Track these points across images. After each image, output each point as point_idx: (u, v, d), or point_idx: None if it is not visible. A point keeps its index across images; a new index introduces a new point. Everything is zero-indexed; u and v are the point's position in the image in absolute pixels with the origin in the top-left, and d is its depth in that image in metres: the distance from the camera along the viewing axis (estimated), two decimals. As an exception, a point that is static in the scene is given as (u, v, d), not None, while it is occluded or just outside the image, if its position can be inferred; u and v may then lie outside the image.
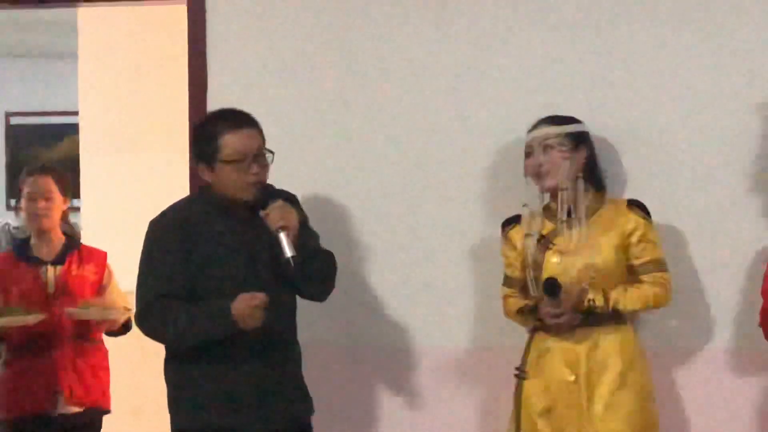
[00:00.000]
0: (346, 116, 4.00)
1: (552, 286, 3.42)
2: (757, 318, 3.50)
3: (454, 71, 3.96)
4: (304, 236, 3.32)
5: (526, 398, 3.52)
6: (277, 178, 3.49)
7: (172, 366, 3.43)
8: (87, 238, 4.73)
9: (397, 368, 4.01)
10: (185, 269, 3.30)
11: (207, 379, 3.34)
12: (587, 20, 3.88)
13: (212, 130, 3.35)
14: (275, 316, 3.30)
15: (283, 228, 3.23)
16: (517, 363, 3.56)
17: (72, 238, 4.35)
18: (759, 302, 3.52)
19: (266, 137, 3.57)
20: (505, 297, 3.67)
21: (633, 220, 3.53)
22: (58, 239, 4.29)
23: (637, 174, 3.83)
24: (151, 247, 3.37)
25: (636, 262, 3.53)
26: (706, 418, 3.82)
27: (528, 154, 3.58)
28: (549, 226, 3.55)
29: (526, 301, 3.57)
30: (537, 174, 3.56)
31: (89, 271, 4.29)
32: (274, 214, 3.25)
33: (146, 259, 3.38)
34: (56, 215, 4.26)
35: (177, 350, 3.39)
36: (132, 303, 3.72)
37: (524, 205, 3.59)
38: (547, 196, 3.59)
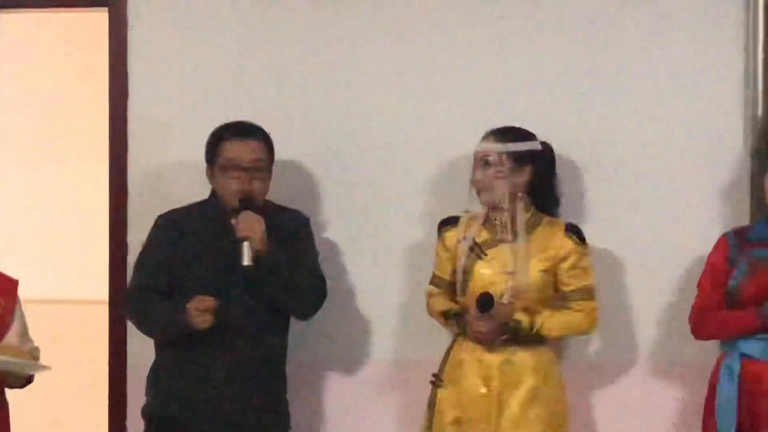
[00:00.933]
0: (273, 126, 3.89)
1: (486, 302, 3.41)
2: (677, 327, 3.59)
3: (393, 77, 3.92)
4: (273, 250, 3.41)
5: (438, 407, 3.52)
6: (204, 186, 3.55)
7: (155, 356, 3.61)
8: (-1, 247, 4.56)
9: (322, 381, 3.97)
10: (168, 266, 3.50)
11: (171, 372, 3.53)
12: (547, 37, 3.86)
13: (217, 136, 3.58)
14: (244, 322, 3.45)
15: (246, 238, 3.37)
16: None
17: None
18: (678, 316, 3.62)
19: (187, 148, 3.55)
20: (430, 295, 3.66)
21: (567, 246, 3.52)
22: None
23: (575, 189, 3.83)
24: (148, 241, 3.62)
25: (565, 288, 3.53)
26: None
27: (473, 166, 3.57)
28: (485, 235, 3.54)
29: (452, 305, 3.57)
30: (477, 188, 3.55)
31: None
32: (242, 223, 3.39)
33: (142, 250, 3.64)
34: None
35: (159, 341, 3.58)
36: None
37: (465, 211, 3.59)
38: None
